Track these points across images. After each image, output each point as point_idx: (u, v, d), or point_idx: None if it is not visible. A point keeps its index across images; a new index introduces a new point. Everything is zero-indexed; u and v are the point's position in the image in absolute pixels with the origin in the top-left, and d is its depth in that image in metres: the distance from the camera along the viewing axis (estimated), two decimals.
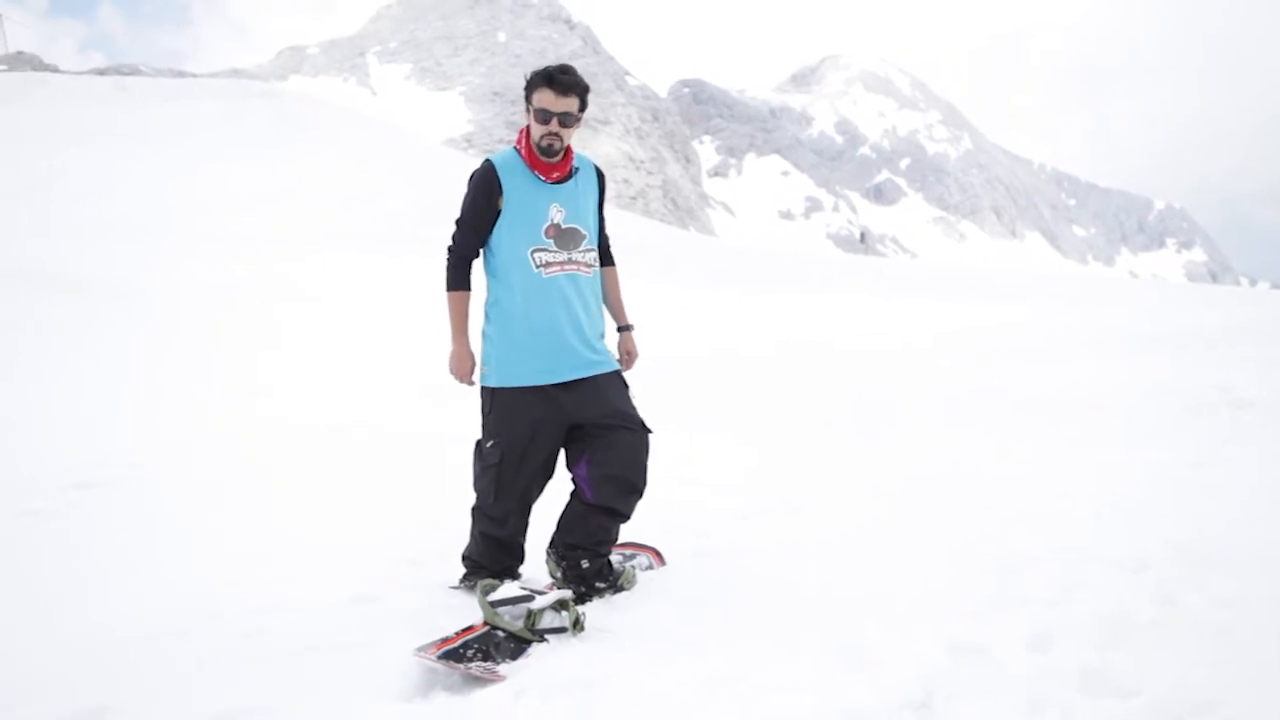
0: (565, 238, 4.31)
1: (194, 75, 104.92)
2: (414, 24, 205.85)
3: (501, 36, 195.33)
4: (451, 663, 3.51)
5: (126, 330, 12.51)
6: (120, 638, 3.91)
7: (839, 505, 5.70)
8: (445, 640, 3.69)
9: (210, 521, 5.73)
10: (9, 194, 25.97)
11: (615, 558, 4.64)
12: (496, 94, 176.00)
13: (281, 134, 37.98)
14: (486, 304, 4.31)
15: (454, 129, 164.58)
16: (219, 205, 25.93)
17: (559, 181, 4.29)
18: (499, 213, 4.23)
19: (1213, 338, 13.07)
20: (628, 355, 4.69)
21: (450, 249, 4.34)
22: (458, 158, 48.42)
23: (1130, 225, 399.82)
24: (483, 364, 4.32)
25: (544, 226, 4.25)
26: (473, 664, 3.52)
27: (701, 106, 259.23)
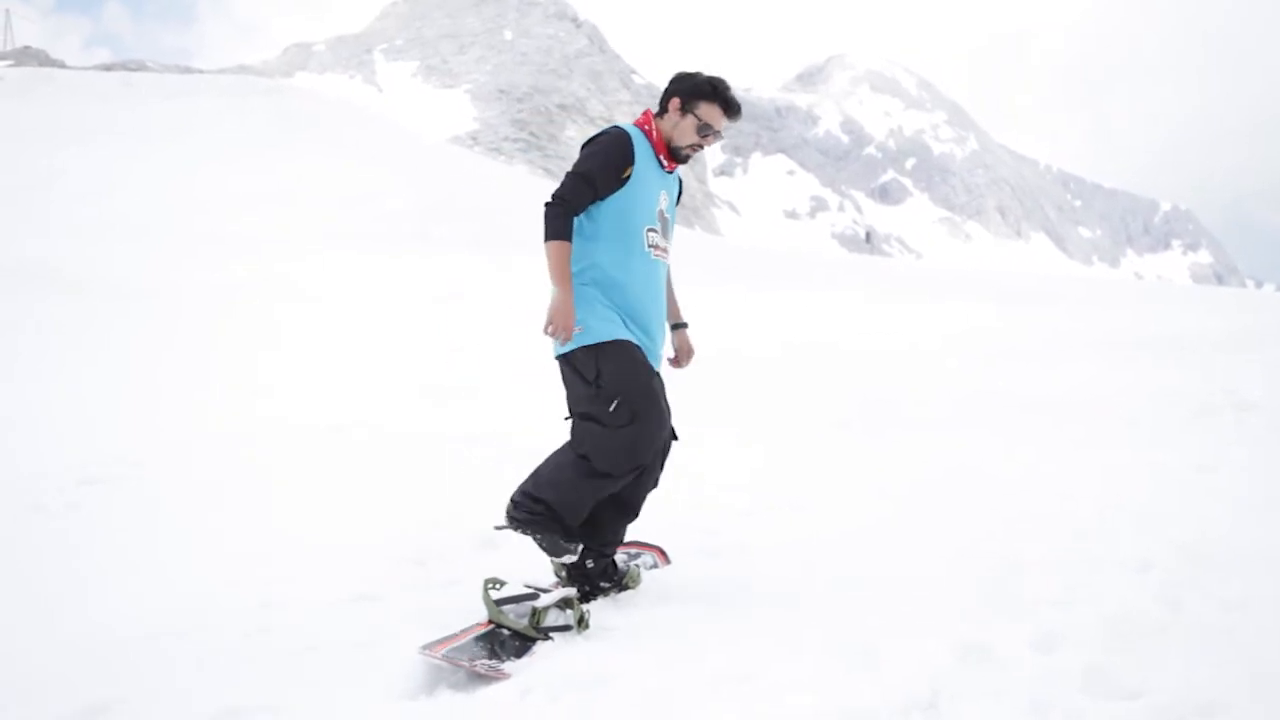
0: (665, 226, 4.33)
1: (200, 71, 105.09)
2: (420, 22, 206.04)
3: (508, 34, 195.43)
4: (457, 660, 3.52)
5: (127, 329, 12.50)
6: (121, 637, 3.92)
7: (844, 505, 5.71)
8: (450, 638, 3.69)
9: (211, 521, 5.74)
10: (11, 192, 26.00)
11: (620, 557, 4.64)
12: (502, 92, 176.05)
13: (283, 132, 37.95)
14: (579, 268, 4.12)
15: (460, 126, 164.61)
16: (220, 204, 25.91)
17: (670, 172, 4.34)
18: (622, 183, 4.11)
19: (1218, 341, 13.07)
20: (688, 353, 4.65)
21: (560, 199, 4.06)
22: (459, 156, 48.37)
23: (1136, 227, 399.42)
24: (575, 324, 4.04)
25: (656, 211, 4.25)
26: (478, 661, 3.52)
27: None
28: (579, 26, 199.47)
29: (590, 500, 4.05)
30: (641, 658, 3.50)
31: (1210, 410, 7.97)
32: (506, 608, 3.84)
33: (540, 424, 8.62)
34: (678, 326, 4.67)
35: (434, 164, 39.44)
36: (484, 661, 3.54)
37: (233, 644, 3.82)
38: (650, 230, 4.21)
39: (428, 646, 3.59)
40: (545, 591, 3.92)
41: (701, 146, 4.26)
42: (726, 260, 28.67)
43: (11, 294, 13.82)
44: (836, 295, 20.90)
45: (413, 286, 17.89)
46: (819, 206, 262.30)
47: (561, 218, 4.04)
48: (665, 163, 4.27)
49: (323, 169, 31.93)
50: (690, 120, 4.17)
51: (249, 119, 39.60)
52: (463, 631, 3.77)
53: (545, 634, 3.80)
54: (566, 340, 3.98)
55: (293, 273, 18.62)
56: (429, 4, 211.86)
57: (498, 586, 3.90)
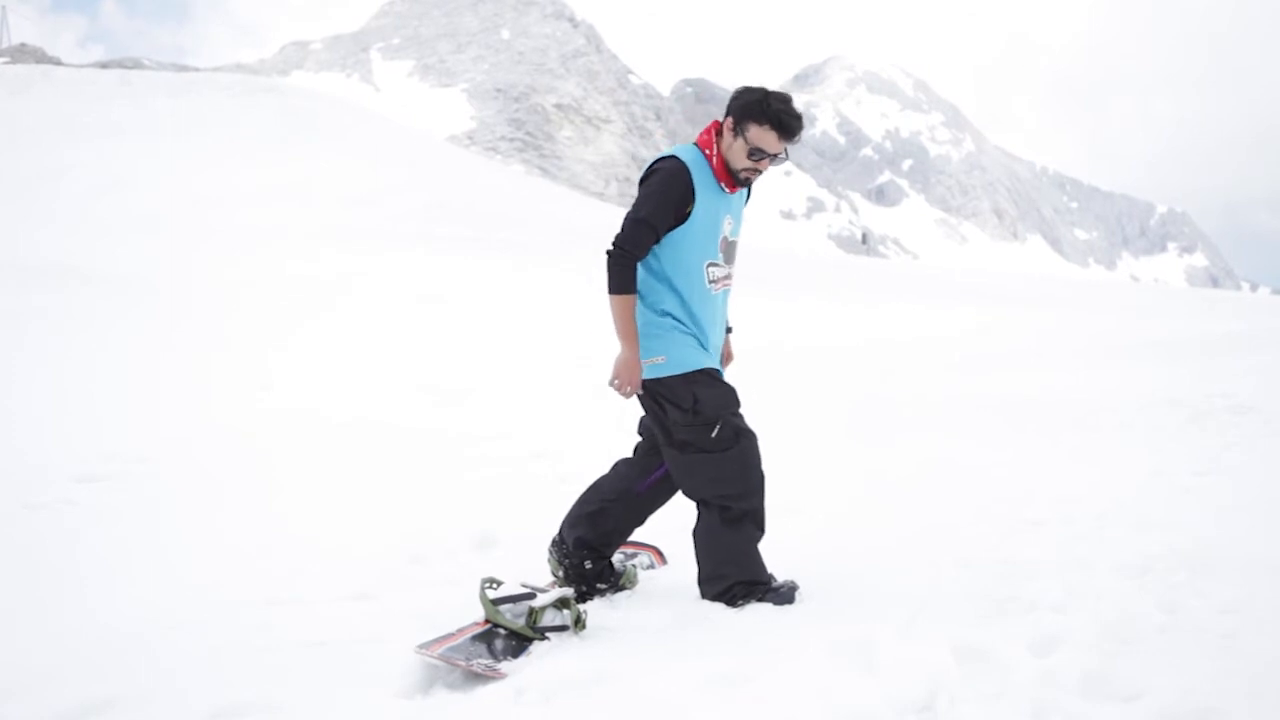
0: (730, 251, 4.16)
1: (197, 70, 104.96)
2: (417, 21, 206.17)
3: (505, 34, 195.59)
4: (453, 659, 3.51)
5: (134, 323, 12.54)
6: (120, 633, 3.91)
7: (841, 508, 5.72)
8: (447, 637, 3.69)
9: (210, 517, 5.75)
10: (15, 187, 26.01)
11: (617, 557, 4.63)
12: (499, 91, 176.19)
13: (286, 130, 38.08)
14: (650, 301, 4.02)
15: (457, 126, 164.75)
16: (225, 200, 26.01)
17: (732, 193, 4.11)
18: (683, 219, 3.94)
19: (1214, 343, 13.10)
20: (727, 357, 4.52)
21: (620, 248, 3.90)
22: (465, 156, 48.48)
23: (1132, 229, 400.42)
24: (657, 354, 3.98)
25: (719, 240, 4.07)
26: (475, 661, 3.52)
27: (704, 105, 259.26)
28: (576, 26, 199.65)
29: (754, 546, 4.08)
30: (637, 659, 3.49)
31: (1207, 413, 7.98)
32: (503, 607, 3.82)
33: (539, 423, 8.67)
34: (726, 331, 4.52)
35: (441, 163, 39.49)
36: (481, 661, 3.53)
37: (231, 641, 3.81)
38: (711, 265, 4.05)
39: (424, 646, 3.58)
40: (542, 591, 3.89)
41: (757, 171, 4.00)
42: None
43: (18, 288, 13.84)
44: (833, 297, 20.95)
45: (416, 284, 17.93)
46: (815, 207, 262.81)
47: (626, 269, 3.91)
48: (727, 186, 4.05)
49: (326, 167, 32.03)
50: (741, 144, 3.94)
51: (251, 117, 39.67)
52: (459, 631, 3.76)
53: (542, 634, 3.78)
54: (630, 396, 3.97)
55: (299, 269, 18.69)
56: (426, 3, 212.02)
57: (494, 586, 3.88)
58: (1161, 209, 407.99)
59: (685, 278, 4.00)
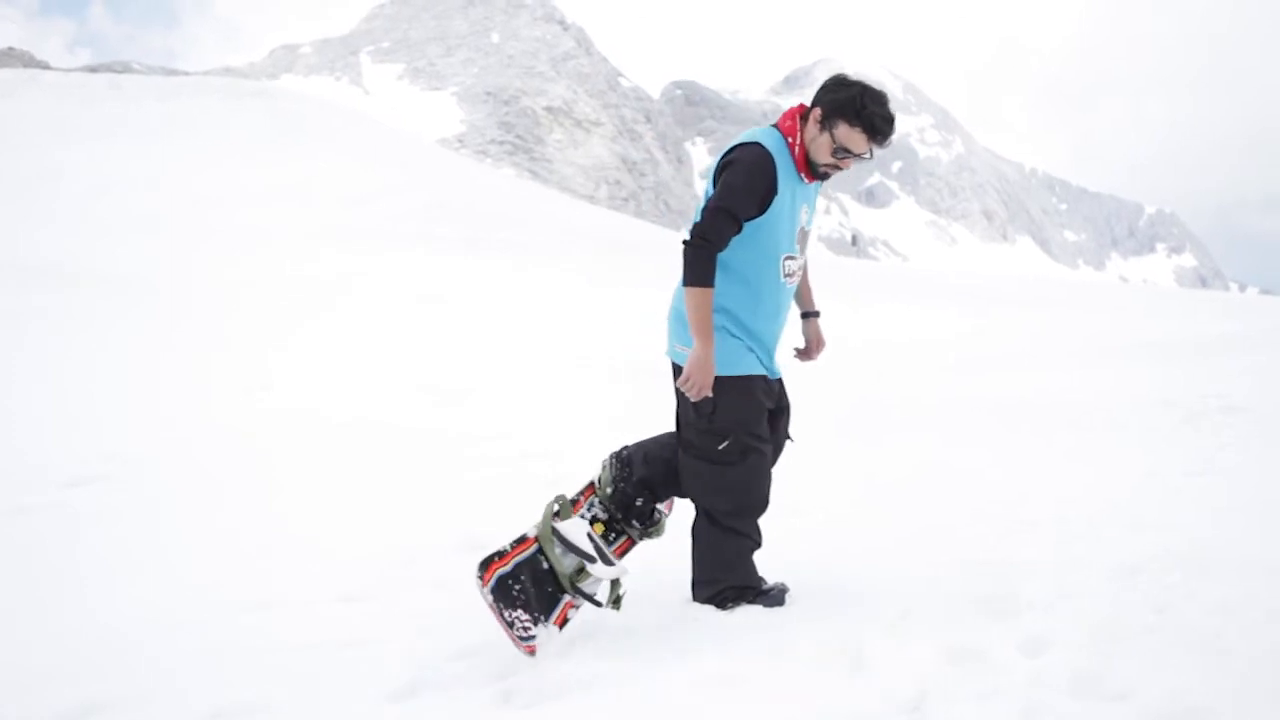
0: (804, 241, 4.04)
1: (185, 73, 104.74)
2: (407, 24, 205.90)
3: (495, 37, 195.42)
4: (498, 607, 3.53)
5: (132, 325, 12.50)
6: (115, 634, 3.93)
7: (835, 509, 5.73)
8: (499, 558, 3.68)
9: (203, 518, 5.76)
10: (10, 189, 25.95)
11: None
12: (489, 94, 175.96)
13: (282, 132, 37.98)
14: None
15: (446, 129, 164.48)
16: (219, 202, 25.93)
17: (810, 184, 3.97)
18: (764, 210, 3.77)
19: (1204, 344, 13.14)
20: (819, 343, 4.41)
21: (703, 236, 3.71)
22: (456, 159, 48.43)
23: (1120, 230, 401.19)
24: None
25: (796, 231, 3.94)
26: (515, 616, 3.53)
27: (694, 108, 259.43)
28: (566, 29, 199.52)
29: (750, 554, 4.02)
30: (627, 661, 3.50)
31: (1200, 414, 8.00)
32: (558, 541, 3.74)
33: (539, 424, 8.68)
34: (808, 315, 4.40)
35: (431, 166, 39.45)
36: (521, 618, 3.56)
37: (224, 643, 3.83)
38: (788, 258, 3.92)
39: (482, 567, 3.64)
40: (608, 561, 3.78)
41: (839, 168, 3.84)
42: None
43: (17, 288, 13.82)
44: (825, 298, 20.91)
45: (416, 284, 17.92)
46: None
47: (706, 261, 3.73)
48: (806, 176, 3.89)
49: (320, 169, 32.00)
50: (827, 139, 3.76)
51: (242, 120, 39.58)
52: (513, 548, 3.73)
53: (578, 595, 3.74)
54: (701, 397, 3.77)
55: (298, 269, 18.68)
56: (416, 6, 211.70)
57: (562, 512, 3.83)
58: (1150, 210, 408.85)
59: (762, 271, 3.86)
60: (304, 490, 6.43)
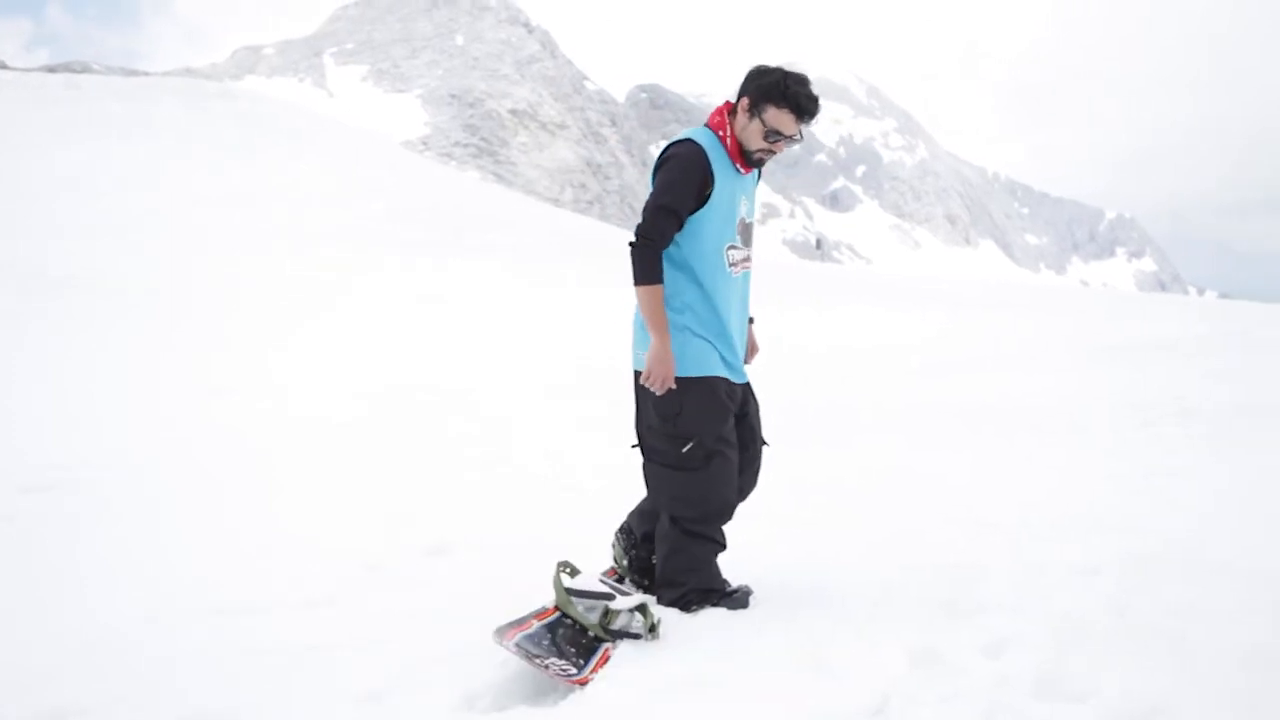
0: (747, 234, 4.08)
1: (146, 74, 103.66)
2: (371, 25, 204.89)
3: (459, 39, 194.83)
4: (530, 655, 3.46)
5: (95, 329, 12.39)
6: (82, 641, 3.88)
7: (800, 514, 5.74)
8: (519, 623, 3.63)
9: (165, 523, 5.72)
10: None
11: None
12: (454, 96, 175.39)
13: (247, 135, 37.66)
14: (668, 294, 3.91)
15: (411, 131, 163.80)
16: (189, 205, 25.67)
17: (746, 175, 4.04)
18: (703, 202, 3.85)
19: (1164, 347, 13.28)
20: (752, 349, 4.42)
21: (644, 237, 3.80)
22: (423, 162, 48.24)
23: (1081, 234, 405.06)
24: None
25: (737, 221, 3.99)
26: (550, 661, 3.45)
27: (659, 111, 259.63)
28: (531, 32, 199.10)
29: (714, 557, 4.02)
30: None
31: (1157, 417, 8.09)
32: (577, 600, 3.70)
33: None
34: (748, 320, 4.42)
35: (397, 169, 39.27)
36: (557, 663, 3.46)
37: (193, 649, 3.80)
38: (731, 248, 3.97)
39: (500, 632, 3.55)
40: (624, 593, 3.75)
41: (772, 153, 3.93)
42: None
43: None
44: (790, 303, 21.00)
45: (384, 288, 17.84)
46: (770, 213, 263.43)
47: (651, 259, 3.80)
48: (741, 169, 3.97)
49: (284, 172, 31.75)
50: (757, 125, 3.86)
51: (205, 122, 39.18)
52: (530, 617, 3.69)
53: (615, 637, 3.67)
54: (663, 391, 3.81)
55: (264, 273, 18.52)
56: (380, 8, 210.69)
57: (571, 573, 3.81)
58: (1110, 214, 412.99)
59: (706, 263, 3.90)
60: (263, 495, 6.43)
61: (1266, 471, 6.13)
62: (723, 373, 3.96)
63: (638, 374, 3.97)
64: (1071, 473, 6.48)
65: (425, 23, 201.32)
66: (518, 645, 3.48)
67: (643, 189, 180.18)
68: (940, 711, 2.96)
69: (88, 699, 3.34)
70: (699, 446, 3.86)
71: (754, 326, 4.41)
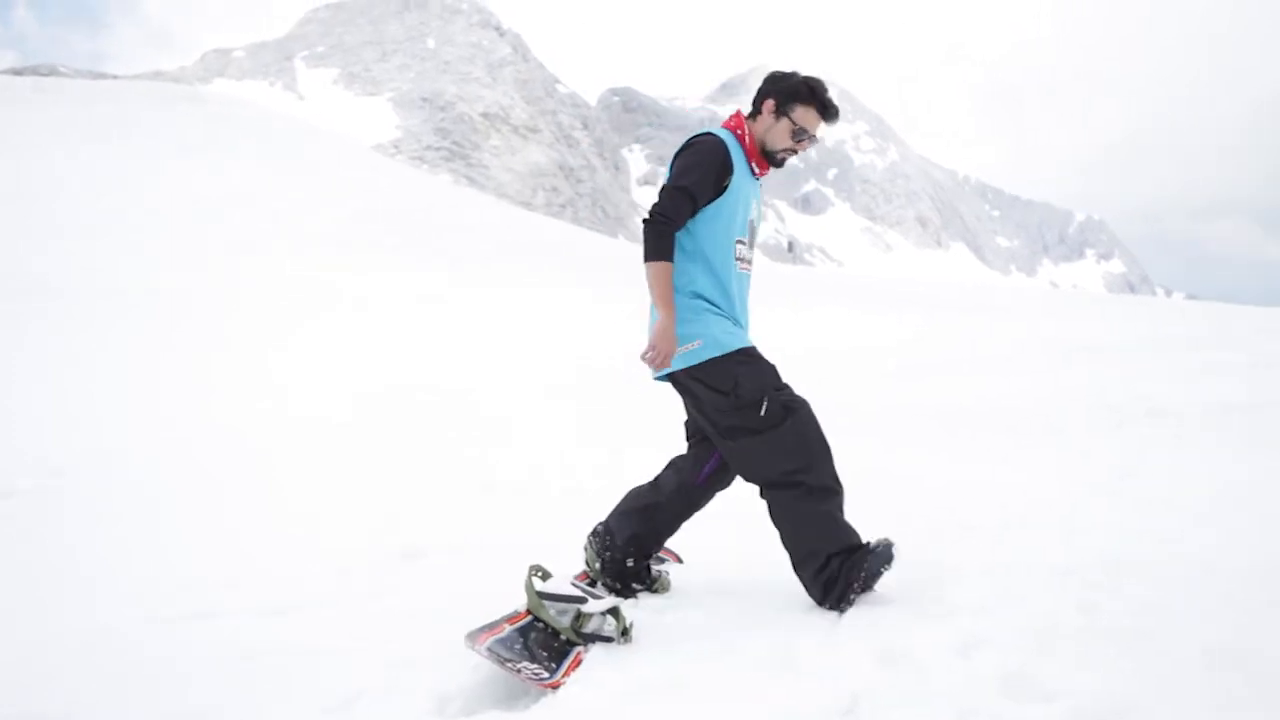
0: (753, 235, 4.18)
1: (114, 77, 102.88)
2: (342, 29, 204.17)
3: (431, 43, 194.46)
4: (502, 659, 3.43)
5: (65, 334, 12.29)
6: (53, 649, 3.84)
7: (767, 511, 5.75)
8: (491, 627, 3.60)
9: (137, 530, 5.67)
10: None
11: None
12: (425, 100, 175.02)
13: (217, 138, 37.43)
14: (680, 283, 3.98)
15: (382, 135, 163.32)
16: (159, 209, 25.48)
17: (759, 178, 4.18)
18: (720, 192, 3.96)
19: (1134, 348, 13.38)
20: None
21: (661, 215, 3.86)
22: (395, 166, 48.07)
23: (1051, 236, 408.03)
24: (692, 339, 3.92)
25: (747, 220, 4.09)
26: (523, 665, 3.43)
27: (631, 115, 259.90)
28: (503, 35, 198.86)
29: (839, 511, 3.95)
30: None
31: (1130, 418, 8.15)
32: (549, 604, 3.68)
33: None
34: None
35: (369, 173, 39.14)
36: (529, 667, 3.44)
37: (164, 656, 3.77)
38: (739, 242, 4.05)
39: (471, 636, 3.53)
40: (597, 597, 3.73)
41: (795, 152, 4.10)
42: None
43: None
44: (763, 305, 21.07)
45: (361, 293, 17.77)
46: None
47: (664, 237, 3.87)
48: (757, 169, 4.11)
49: (255, 176, 31.57)
50: (785, 124, 4.03)
51: (175, 125, 38.92)
52: (503, 621, 3.66)
53: (588, 641, 3.65)
54: (663, 367, 3.87)
55: (235, 278, 18.42)
56: (351, 11, 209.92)
57: (543, 576, 3.78)
58: (1080, 217, 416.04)
59: (718, 252, 3.98)
60: (238, 499, 6.40)
61: (1239, 470, 6.18)
62: (750, 344, 4.03)
63: (674, 376, 4.01)
64: (1044, 473, 6.51)
65: (396, 26, 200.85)
66: (489, 650, 3.46)
67: (615, 191, 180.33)
68: (909, 712, 2.95)
69: (50, 709, 3.31)
70: (773, 403, 3.88)
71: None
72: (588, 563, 4.22)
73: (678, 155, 4.01)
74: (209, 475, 7.00)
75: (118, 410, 8.77)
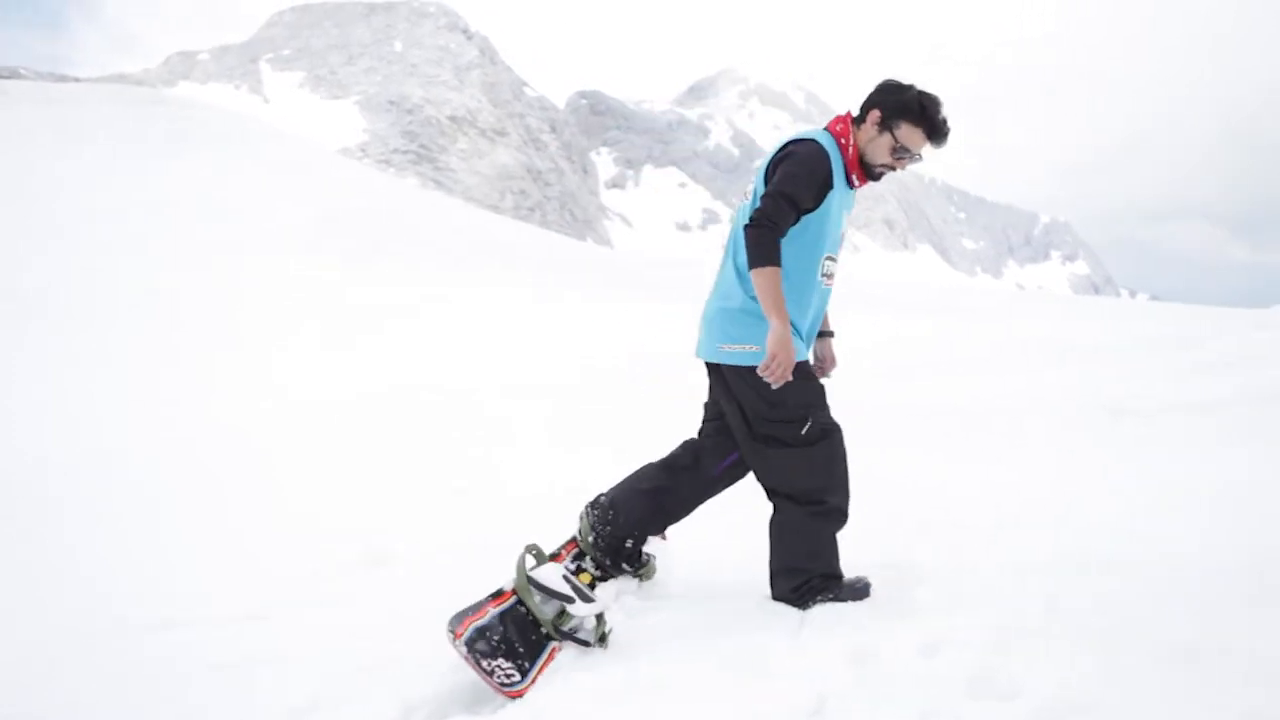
0: (840, 247, 4.09)
1: (77, 80, 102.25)
2: (308, 31, 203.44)
3: (398, 45, 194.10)
4: (474, 658, 3.42)
5: (38, 341, 12.21)
6: (18, 660, 3.83)
7: (742, 513, 5.74)
8: (473, 611, 3.58)
9: (100, 538, 5.66)
10: None
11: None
12: (392, 103, 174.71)
13: (182, 140, 37.19)
14: (745, 290, 3.91)
15: (349, 138, 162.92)
16: (126, 212, 25.26)
17: (854, 189, 4.03)
18: (818, 205, 3.83)
19: (1100, 349, 13.49)
20: (831, 362, 4.46)
21: (768, 220, 3.68)
22: (361, 169, 47.94)
23: (1017, 238, 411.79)
24: (747, 342, 3.87)
25: (840, 234, 4.01)
26: (497, 665, 3.43)
27: (599, 118, 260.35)
28: (470, 38, 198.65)
29: (835, 539, 3.99)
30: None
31: (1098, 419, 8.22)
32: (536, 591, 3.67)
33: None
34: (823, 335, 4.42)
35: (335, 176, 39.06)
36: (503, 666, 3.44)
37: (131, 665, 3.79)
38: (828, 258, 3.96)
39: (456, 619, 3.52)
40: (587, 599, 3.72)
41: (894, 169, 3.94)
42: (620, 273, 28.85)
43: None
44: None
45: (335, 297, 17.71)
46: (710, 219, 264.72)
47: (771, 242, 3.70)
48: (856, 180, 3.96)
49: (221, 178, 31.39)
50: (887, 139, 3.86)
51: (139, 128, 38.65)
52: (487, 601, 3.66)
53: (564, 638, 3.65)
54: (783, 379, 3.67)
55: (206, 283, 18.31)
56: (317, 13, 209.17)
57: (537, 556, 3.78)
58: (1045, 219, 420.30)
59: (803, 268, 3.88)
60: (199, 505, 6.40)
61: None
62: (806, 357, 4.01)
63: (713, 368, 4.02)
64: (1014, 472, 6.58)
65: (363, 29, 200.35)
66: (468, 643, 3.45)
67: (583, 194, 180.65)
68: (875, 712, 2.99)
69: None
70: (815, 424, 3.90)
71: (832, 340, 4.45)
72: (580, 532, 4.13)
73: (778, 158, 3.89)
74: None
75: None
